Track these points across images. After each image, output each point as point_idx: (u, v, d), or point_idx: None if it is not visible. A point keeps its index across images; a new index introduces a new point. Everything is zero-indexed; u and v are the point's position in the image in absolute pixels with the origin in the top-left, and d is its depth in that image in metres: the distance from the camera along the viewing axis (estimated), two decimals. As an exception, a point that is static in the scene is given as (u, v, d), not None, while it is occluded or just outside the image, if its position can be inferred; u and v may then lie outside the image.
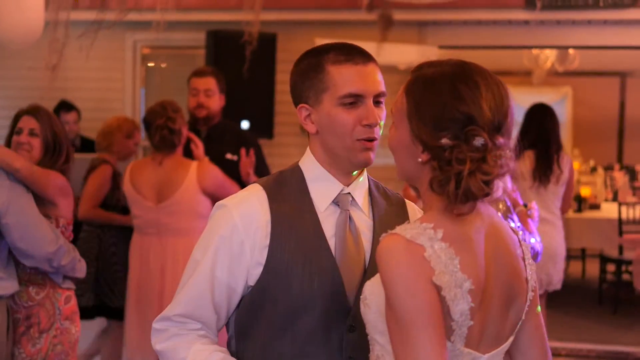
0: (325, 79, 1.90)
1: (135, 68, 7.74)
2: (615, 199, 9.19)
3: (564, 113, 13.20)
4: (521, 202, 3.74)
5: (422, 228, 1.58)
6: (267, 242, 1.86)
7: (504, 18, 7.19)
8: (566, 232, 7.69)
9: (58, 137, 3.46)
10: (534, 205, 3.71)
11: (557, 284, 5.39)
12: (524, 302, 1.71)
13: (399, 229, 1.59)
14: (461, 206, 1.60)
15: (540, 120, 5.42)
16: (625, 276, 7.98)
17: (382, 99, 1.91)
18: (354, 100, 1.88)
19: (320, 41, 6.77)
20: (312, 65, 1.93)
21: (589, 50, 9.17)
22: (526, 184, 5.31)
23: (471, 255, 1.61)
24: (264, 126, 6.92)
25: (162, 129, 4.32)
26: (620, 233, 7.55)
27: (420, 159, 1.63)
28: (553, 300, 6.43)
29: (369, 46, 7.06)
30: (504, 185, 3.86)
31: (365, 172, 1.99)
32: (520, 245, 1.75)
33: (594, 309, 7.75)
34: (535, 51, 10.04)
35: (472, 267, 1.60)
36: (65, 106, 6.58)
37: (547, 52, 10.04)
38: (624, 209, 7.71)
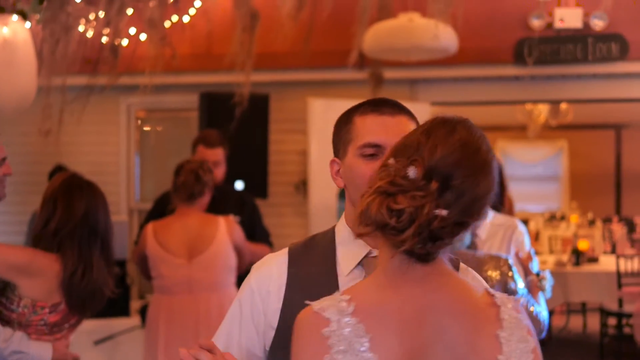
0: (351, 129, 1.85)
1: (130, 131, 7.78)
2: (613, 251, 9.16)
3: (560, 166, 13.25)
4: (534, 271, 3.67)
5: (337, 300, 1.48)
6: (280, 305, 1.82)
7: (494, 74, 7.26)
8: (565, 286, 7.67)
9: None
10: (546, 275, 3.63)
11: None
12: None
13: (317, 301, 1.49)
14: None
15: None
16: (627, 329, 7.90)
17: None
18: (374, 151, 1.80)
19: (312, 101, 6.85)
20: (344, 118, 1.89)
21: (583, 104, 9.24)
22: None
23: (392, 333, 1.44)
24: (258, 186, 6.92)
25: (190, 173, 4.35)
26: (619, 286, 7.50)
27: None
28: (555, 356, 6.35)
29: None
30: (514, 250, 3.72)
31: None
32: (500, 320, 1.51)
33: (596, 363, 7.67)
34: (528, 106, 10.12)
35: (389, 347, 1.44)
36: (60, 171, 6.60)
37: (540, 106, 10.12)
38: (622, 261, 7.68)
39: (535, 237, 9.82)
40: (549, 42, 7.03)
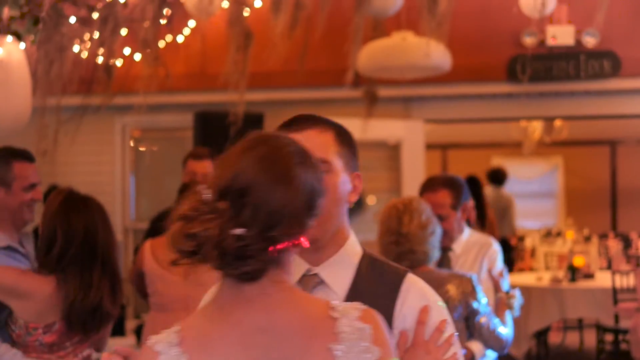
0: None
1: (125, 151, 7.80)
2: (609, 267, 9.16)
3: (556, 183, 13.27)
4: (504, 289, 3.68)
5: (170, 332, 1.52)
6: None
7: (488, 91, 7.30)
8: (561, 302, 7.67)
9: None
10: (516, 294, 3.65)
11: None
12: None
13: (155, 335, 1.53)
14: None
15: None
16: (623, 345, 7.89)
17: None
18: None
19: (307, 119, 6.87)
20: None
21: (577, 121, 9.28)
22: None
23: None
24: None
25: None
26: (615, 302, 7.49)
27: None
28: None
29: (355, 122, 7.13)
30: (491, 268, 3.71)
31: (352, 249, 1.87)
32: (336, 333, 1.48)
33: (594, 380, 7.65)
34: (523, 123, 10.16)
35: None
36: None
37: (535, 123, 10.16)
38: (618, 277, 7.68)
39: (532, 254, 9.83)
40: (541, 59, 7.08)
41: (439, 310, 1.82)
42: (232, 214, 1.44)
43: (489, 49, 7.18)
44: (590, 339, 9.13)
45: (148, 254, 4.45)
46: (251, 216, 1.44)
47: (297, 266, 1.81)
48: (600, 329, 7.99)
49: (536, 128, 10.25)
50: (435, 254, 3.23)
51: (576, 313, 7.96)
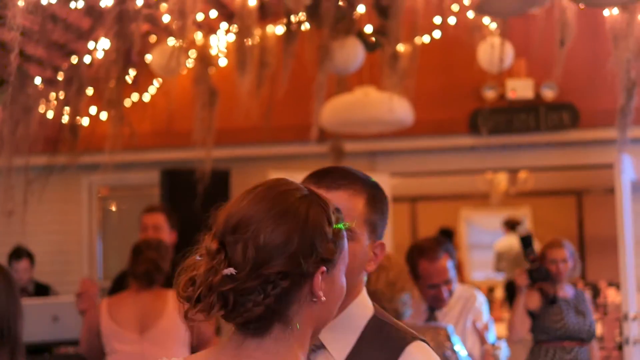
0: None
1: (92, 209, 7.79)
2: (578, 316, 9.21)
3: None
4: (490, 341, 3.70)
5: None
6: None
7: (451, 144, 7.42)
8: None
9: None
10: (502, 345, 3.66)
11: None
12: None
13: None
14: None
15: None
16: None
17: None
18: None
19: (273, 174, 6.93)
20: None
21: (542, 172, 9.41)
22: None
23: None
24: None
25: (150, 262, 4.35)
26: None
27: None
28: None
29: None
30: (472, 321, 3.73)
31: (361, 308, 1.77)
32: None
33: None
34: (488, 174, 10.29)
35: None
36: (15, 254, 6.56)
37: (500, 175, 10.30)
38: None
39: (500, 305, 9.87)
40: (502, 112, 7.22)
41: None
42: (225, 254, 1.37)
43: (450, 102, 7.32)
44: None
45: (104, 312, 4.43)
46: (242, 254, 1.36)
47: None
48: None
49: (501, 180, 10.39)
50: (407, 312, 3.18)
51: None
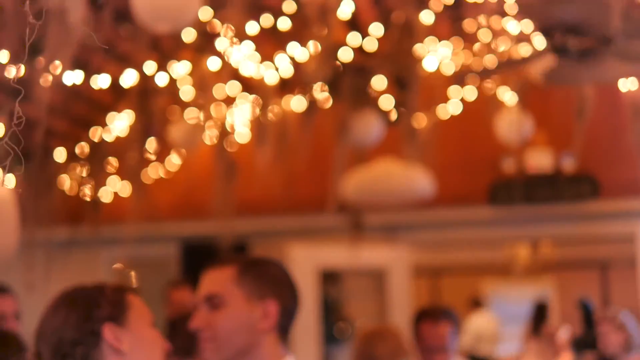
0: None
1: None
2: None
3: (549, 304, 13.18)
4: None
5: None
6: None
7: (470, 217, 7.38)
8: None
9: None
10: None
11: None
12: None
13: None
14: None
15: None
16: None
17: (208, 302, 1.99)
18: None
19: (291, 247, 6.90)
20: None
21: (566, 244, 9.32)
22: None
23: None
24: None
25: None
26: None
27: None
28: None
29: (340, 249, 7.04)
30: None
31: None
32: None
33: None
34: (509, 247, 10.21)
35: None
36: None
37: (522, 248, 10.21)
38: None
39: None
40: (521, 184, 7.20)
41: None
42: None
43: (469, 174, 7.30)
44: None
45: None
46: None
47: None
48: None
49: (523, 252, 10.30)
50: None
51: None
